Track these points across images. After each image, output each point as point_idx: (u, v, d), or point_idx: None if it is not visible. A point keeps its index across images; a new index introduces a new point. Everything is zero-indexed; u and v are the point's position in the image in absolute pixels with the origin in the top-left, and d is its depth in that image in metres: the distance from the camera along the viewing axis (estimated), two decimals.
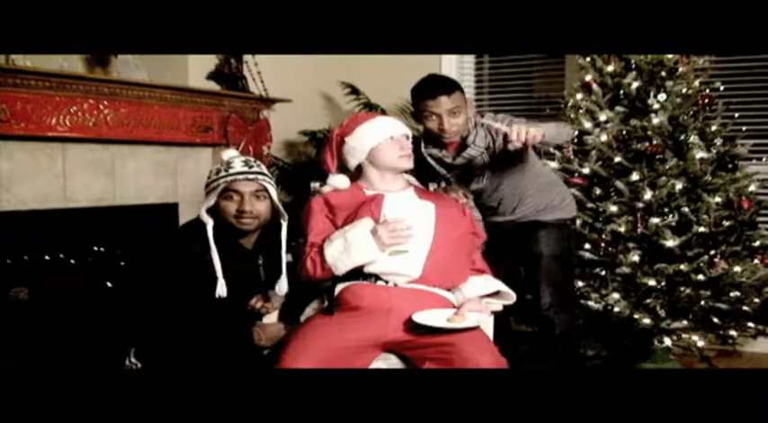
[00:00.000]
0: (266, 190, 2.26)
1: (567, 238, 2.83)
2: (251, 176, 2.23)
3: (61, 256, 3.22)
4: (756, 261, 3.14)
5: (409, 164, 2.33)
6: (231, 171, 2.22)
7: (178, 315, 2.15)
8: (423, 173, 2.70)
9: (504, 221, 2.80)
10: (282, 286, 2.27)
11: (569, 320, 2.78)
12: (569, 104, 3.41)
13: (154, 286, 2.21)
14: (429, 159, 2.68)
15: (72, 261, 3.26)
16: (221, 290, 2.21)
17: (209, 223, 2.22)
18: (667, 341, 3.17)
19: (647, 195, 3.09)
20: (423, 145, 2.69)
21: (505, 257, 2.78)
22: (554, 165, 3.30)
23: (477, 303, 2.24)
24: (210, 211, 2.25)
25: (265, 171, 2.30)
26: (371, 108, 4.18)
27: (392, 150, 2.31)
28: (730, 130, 3.32)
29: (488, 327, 2.29)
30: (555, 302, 2.72)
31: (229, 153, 2.33)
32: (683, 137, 3.17)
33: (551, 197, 2.78)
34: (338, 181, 2.39)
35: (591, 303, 3.12)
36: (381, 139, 2.31)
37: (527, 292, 2.75)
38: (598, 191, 3.21)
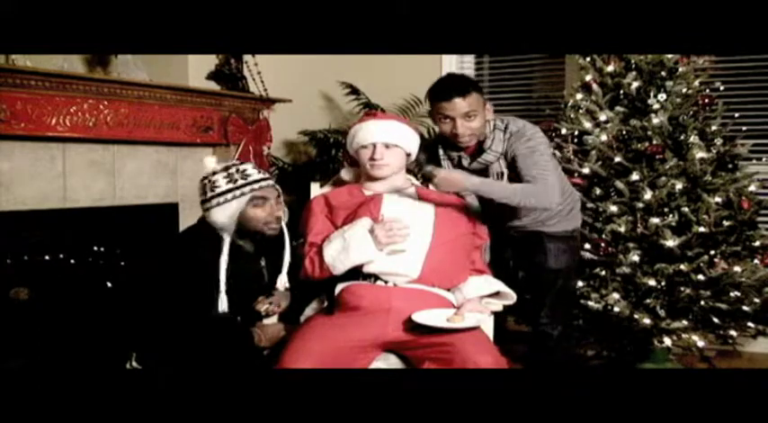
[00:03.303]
0: (280, 195, 2.27)
1: (573, 251, 2.78)
2: (271, 182, 2.24)
3: (61, 256, 3.22)
4: (756, 261, 3.13)
5: (379, 172, 2.31)
6: (252, 178, 2.19)
7: (184, 318, 2.14)
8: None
9: (509, 227, 2.77)
10: (283, 279, 2.29)
11: (564, 331, 2.75)
12: (569, 104, 3.40)
13: (161, 291, 2.19)
14: (444, 163, 2.60)
15: (72, 261, 3.26)
16: (222, 304, 2.20)
17: (230, 232, 2.19)
18: (667, 341, 3.16)
19: (647, 195, 3.08)
20: (441, 147, 2.61)
21: (507, 262, 2.76)
22: None
23: (476, 303, 2.24)
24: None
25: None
26: (371, 108, 4.17)
27: (364, 157, 2.32)
28: (730, 130, 3.32)
29: (488, 327, 2.29)
30: (553, 317, 2.68)
31: (211, 161, 2.27)
32: (683, 137, 3.17)
33: (561, 207, 2.66)
34: (344, 173, 2.50)
35: (591, 303, 3.11)
36: (357, 146, 2.33)
37: (526, 294, 2.74)
38: (598, 191, 3.20)
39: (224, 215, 2.18)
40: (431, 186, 2.39)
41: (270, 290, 2.30)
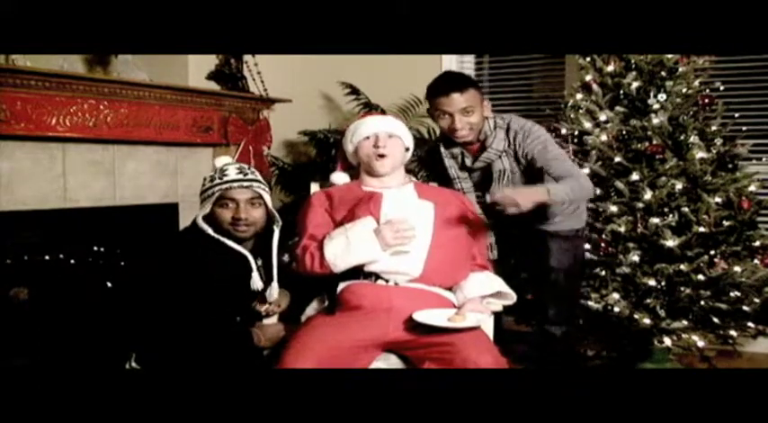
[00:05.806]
0: (261, 197, 2.25)
1: (577, 249, 2.79)
2: (246, 184, 2.21)
3: (61, 256, 3.22)
4: (756, 261, 3.13)
5: (382, 166, 2.31)
6: (225, 179, 2.21)
7: (179, 318, 2.14)
8: (441, 174, 2.68)
9: (512, 225, 2.74)
10: (273, 292, 2.24)
11: (568, 331, 2.76)
12: (569, 104, 3.40)
13: (155, 291, 2.19)
14: (446, 160, 2.65)
15: (72, 261, 3.26)
16: (257, 283, 2.22)
17: (209, 230, 2.22)
18: (667, 341, 3.17)
19: (647, 195, 3.08)
20: (443, 145, 2.65)
21: (508, 261, 2.76)
22: None
23: (477, 303, 2.24)
24: (207, 218, 2.25)
25: (260, 178, 2.29)
26: (371, 108, 4.17)
27: (366, 150, 2.32)
28: (730, 130, 3.32)
29: (488, 327, 2.29)
30: (559, 316, 2.70)
31: (223, 160, 2.32)
32: (683, 137, 3.17)
33: (566, 205, 2.65)
34: (335, 178, 2.47)
35: (591, 303, 3.11)
36: (358, 140, 2.34)
37: (527, 293, 2.74)
38: (598, 191, 3.20)
39: (201, 213, 2.25)
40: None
41: (266, 290, 2.30)
